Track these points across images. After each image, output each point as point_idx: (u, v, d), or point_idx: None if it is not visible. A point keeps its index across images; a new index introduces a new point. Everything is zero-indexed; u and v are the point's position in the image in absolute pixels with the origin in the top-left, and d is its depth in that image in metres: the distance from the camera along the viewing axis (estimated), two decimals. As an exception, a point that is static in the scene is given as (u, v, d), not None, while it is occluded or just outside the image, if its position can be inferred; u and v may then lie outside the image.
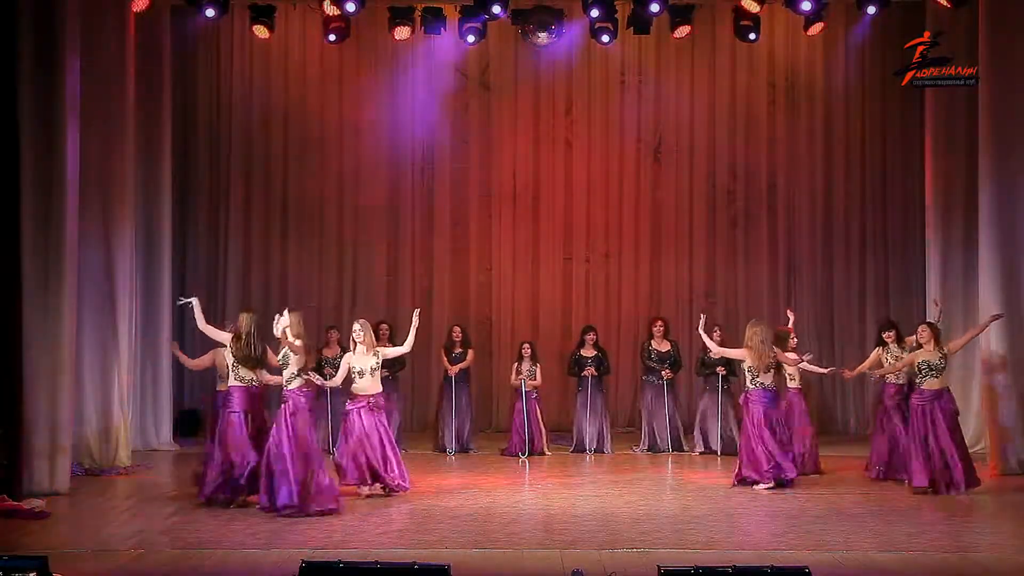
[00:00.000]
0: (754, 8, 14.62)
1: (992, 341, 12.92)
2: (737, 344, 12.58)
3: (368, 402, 11.31)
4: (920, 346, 11.79)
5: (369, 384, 11.33)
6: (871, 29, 15.77)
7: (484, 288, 16.79)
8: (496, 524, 10.18)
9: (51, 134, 11.57)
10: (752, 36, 15.08)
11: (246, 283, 16.44)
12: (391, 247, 16.70)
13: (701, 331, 12.52)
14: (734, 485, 12.10)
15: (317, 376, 11.23)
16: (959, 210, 14.36)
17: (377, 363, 11.35)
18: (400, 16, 15.03)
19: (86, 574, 8.39)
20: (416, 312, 11.67)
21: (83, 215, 12.32)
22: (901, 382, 12.46)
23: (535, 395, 14.36)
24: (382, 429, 11.35)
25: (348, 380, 11.48)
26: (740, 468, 12.17)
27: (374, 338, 11.49)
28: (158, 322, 14.59)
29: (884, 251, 16.37)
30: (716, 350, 12.86)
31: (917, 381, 11.80)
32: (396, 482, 11.34)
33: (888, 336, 12.40)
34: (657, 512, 10.79)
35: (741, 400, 12.51)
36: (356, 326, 11.47)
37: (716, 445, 14.21)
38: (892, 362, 12.28)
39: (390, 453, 11.36)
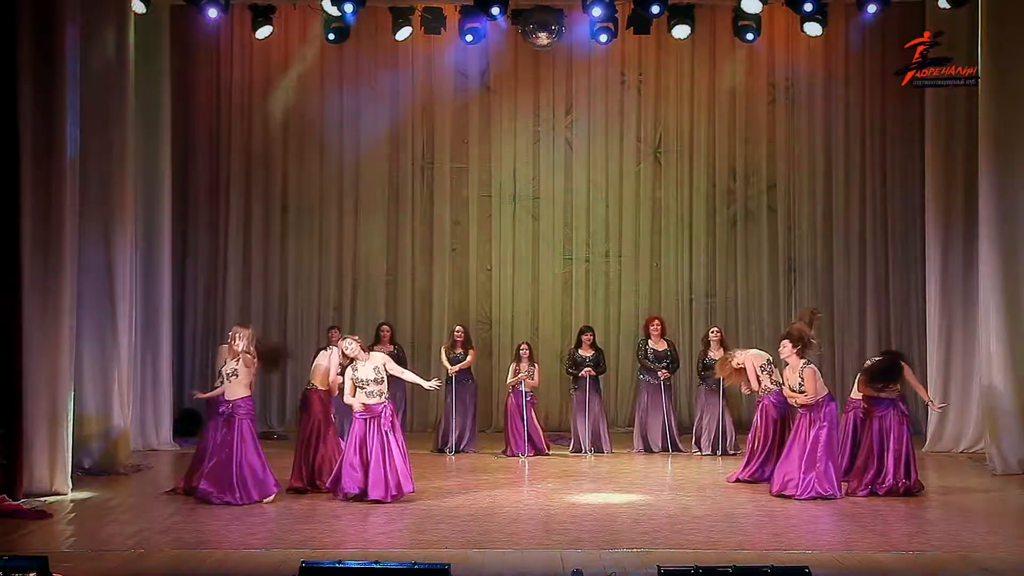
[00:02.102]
0: (754, 8, 14.61)
1: (992, 341, 12.92)
2: (736, 343, 12.60)
3: (225, 408, 11.22)
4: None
5: (228, 389, 11.25)
6: (871, 29, 15.77)
7: (484, 288, 16.77)
8: (496, 524, 10.19)
9: (51, 134, 11.58)
10: (750, 36, 15.08)
11: (246, 283, 16.43)
12: (391, 247, 16.69)
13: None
14: (735, 481, 12.23)
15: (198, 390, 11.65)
16: (959, 210, 14.34)
17: (233, 369, 11.20)
18: (400, 16, 15.04)
19: (86, 574, 8.39)
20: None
21: (83, 215, 12.32)
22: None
23: (531, 396, 14.34)
24: (231, 440, 11.07)
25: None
26: (747, 466, 12.27)
27: (238, 345, 11.18)
28: (158, 322, 14.59)
29: (884, 251, 16.33)
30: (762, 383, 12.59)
31: None
32: (233, 496, 10.99)
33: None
34: (657, 512, 10.79)
35: (758, 403, 12.58)
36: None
37: (710, 446, 14.17)
38: None
39: (234, 466, 11.01)
